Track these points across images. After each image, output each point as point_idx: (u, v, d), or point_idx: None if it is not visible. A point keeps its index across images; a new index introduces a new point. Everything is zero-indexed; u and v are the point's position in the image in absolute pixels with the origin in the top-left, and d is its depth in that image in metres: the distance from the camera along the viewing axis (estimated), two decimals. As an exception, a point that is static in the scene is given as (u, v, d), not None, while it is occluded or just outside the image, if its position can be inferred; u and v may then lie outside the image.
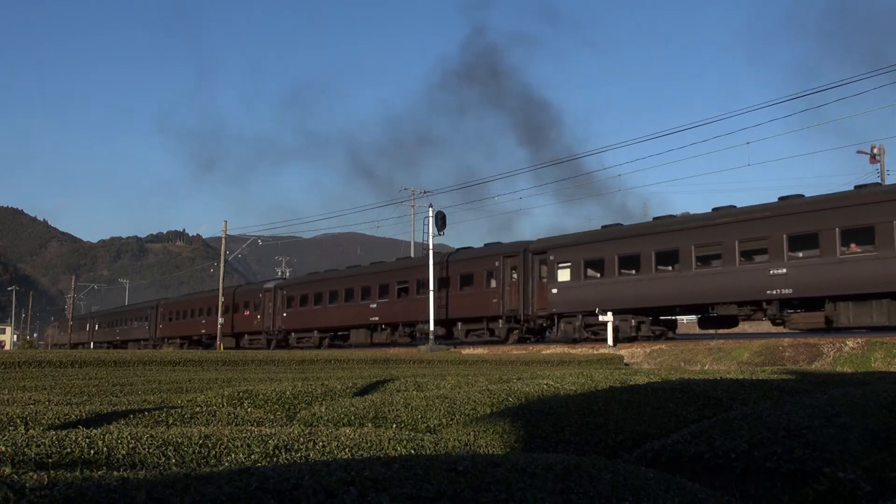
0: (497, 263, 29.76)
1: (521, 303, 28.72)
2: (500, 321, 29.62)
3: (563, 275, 27.37)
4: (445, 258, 32.79)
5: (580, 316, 26.43)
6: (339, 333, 39.57)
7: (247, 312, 45.95)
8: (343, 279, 38.99)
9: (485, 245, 32.66)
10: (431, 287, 30.78)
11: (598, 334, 25.90)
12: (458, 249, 34.09)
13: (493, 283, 30.01)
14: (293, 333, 41.54)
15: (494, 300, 29.61)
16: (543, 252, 28.32)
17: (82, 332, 78.76)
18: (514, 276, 29.26)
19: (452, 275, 31.80)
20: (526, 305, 28.57)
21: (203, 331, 50.31)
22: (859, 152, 40.18)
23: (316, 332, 40.05)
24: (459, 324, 31.69)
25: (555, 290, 27.26)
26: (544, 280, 28.04)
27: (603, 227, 27.52)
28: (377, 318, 35.50)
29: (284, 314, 42.09)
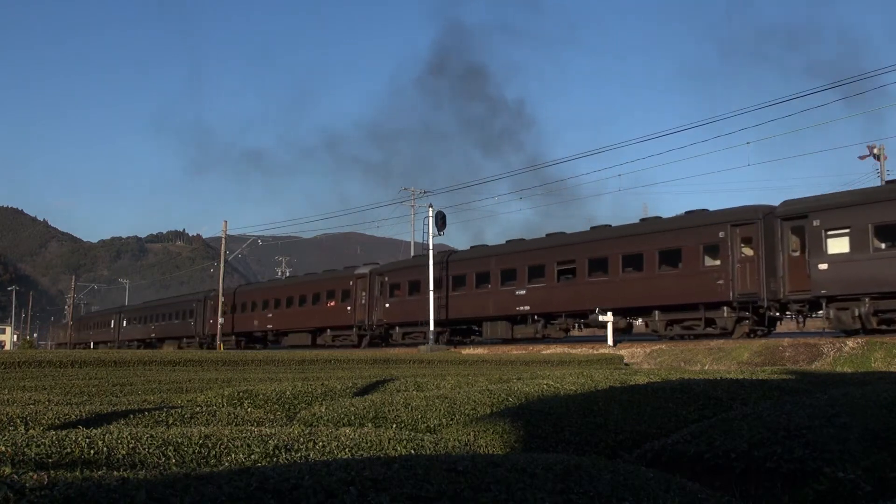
0: (721, 234, 23.28)
1: (761, 284, 22.24)
2: (726, 308, 23.27)
3: (837, 245, 21.03)
4: (631, 230, 26.48)
5: (866, 300, 20.31)
6: (464, 327, 33.05)
7: (331, 304, 38.60)
8: (474, 260, 31.45)
9: (686, 213, 25.92)
10: (431, 287, 30.77)
11: (892, 323, 20.44)
12: (644, 219, 27.57)
13: (715, 260, 23.66)
14: (397, 327, 34.75)
15: (719, 281, 23.06)
16: (801, 217, 21.81)
17: (104, 329, 69.23)
18: (747, 249, 23.03)
19: (647, 251, 25.11)
20: (770, 287, 22.10)
21: (270, 326, 43.28)
22: (861, 158, 40.30)
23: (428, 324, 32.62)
24: (656, 312, 24.84)
25: (823, 266, 20.95)
26: (796, 253, 21.93)
27: (888, 182, 22.07)
28: (527, 308, 28.43)
29: (386, 304, 35.08)
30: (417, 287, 33.49)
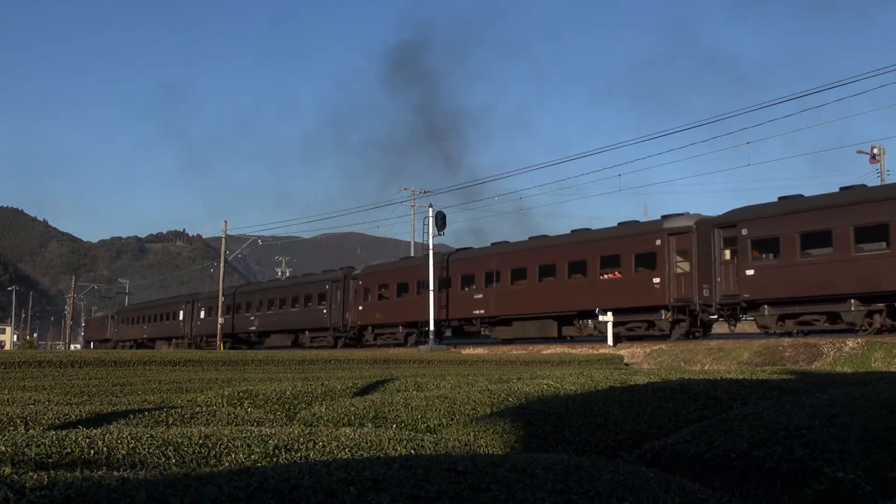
0: None
1: None
2: None
3: None
4: None
5: None
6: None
7: (612, 275, 26.00)
8: None
9: None
10: (432, 287, 30.74)
11: None
12: None
13: None
14: (765, 306, 22.18)
15: None
16: None
17: (167, 322, 54.68)
18: None
19: None
20: None
21: (481, 311, 30.08)
22: (859, 153, 40.24)
23: (852, 301, 20.42)
24: None
25: None
26: None
27: None
28: None
29: (748, 272, 22.25)
30: (827, 238, 20.89)
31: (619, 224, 27.30)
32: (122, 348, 55.46)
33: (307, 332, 39.22)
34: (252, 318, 43.84)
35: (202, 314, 50.03)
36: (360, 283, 36.09)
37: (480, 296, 29.92)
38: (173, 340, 52.84)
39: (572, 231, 28.93)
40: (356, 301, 36.06)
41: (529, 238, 30.11)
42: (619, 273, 25.72)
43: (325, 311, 37.75)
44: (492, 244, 32.71)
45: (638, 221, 26.93)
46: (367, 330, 35.60)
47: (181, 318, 52.60)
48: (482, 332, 31.27)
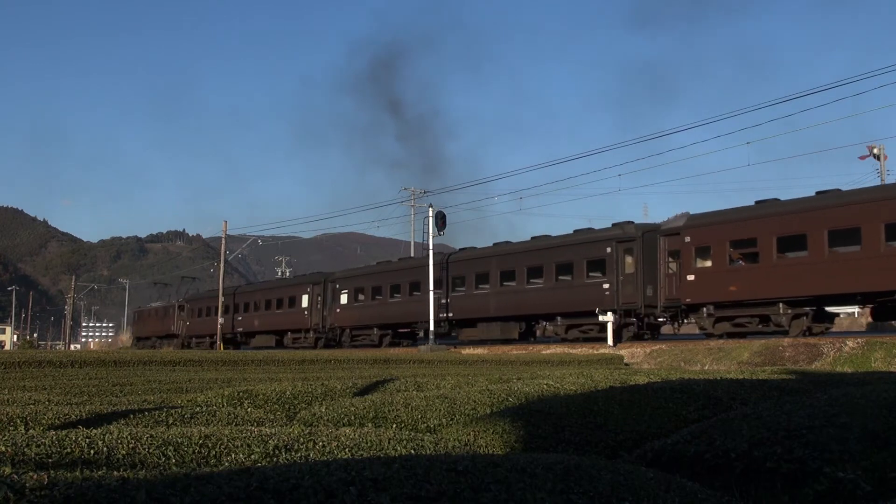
0: None
1: None
2: None
3: None
4: None
5: None
6: None
7: None
8: None
9: None
10: (431, 287, 30.72)
11: None
12: None
13: None
14: None
15: None
16: None
17: (278, 312, 40.94)
18: None
19: None
20: None
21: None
22: (861, 158, 40.29)
23: None
24: None
25: None
26: None
27: None
28: None
29: None
30: None
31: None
32: (197, 347, 44.84)
33: (559, 319, 27.00)
34: (446, 300, 31.00)
35: (343, 298, 36.38)
36: (688, 239, 23.04)
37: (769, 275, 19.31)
38: (288, 334, 40.23)
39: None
40: (681, 268, 23.41)
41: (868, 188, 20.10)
42: None
43: (606, 285, 25.25)
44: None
45: None
46: (701, 311, 23.08)
47: (304, 304, 38.81)
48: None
